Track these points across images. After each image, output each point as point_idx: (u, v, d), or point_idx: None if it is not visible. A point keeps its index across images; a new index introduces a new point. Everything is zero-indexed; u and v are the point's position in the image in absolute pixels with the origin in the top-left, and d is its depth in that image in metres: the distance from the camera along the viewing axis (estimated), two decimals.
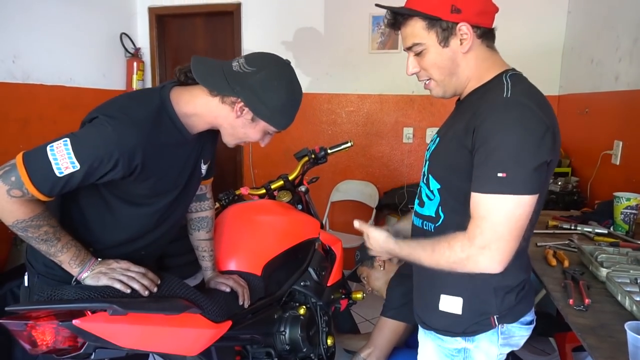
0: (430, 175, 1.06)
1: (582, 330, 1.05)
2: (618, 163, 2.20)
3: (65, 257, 1.08)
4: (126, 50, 3.44)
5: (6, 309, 0.95)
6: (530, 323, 1.10)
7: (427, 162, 1.09)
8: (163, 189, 1.20)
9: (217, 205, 1.86)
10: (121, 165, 1.03)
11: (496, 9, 1.01)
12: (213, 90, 1.13)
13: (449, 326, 1.06)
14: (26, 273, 1.28)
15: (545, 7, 2.97)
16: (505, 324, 1.04)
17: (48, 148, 0.99)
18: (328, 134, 3.49)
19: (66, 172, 0.99)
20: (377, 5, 1.08)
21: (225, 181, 3.81)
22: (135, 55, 3.51)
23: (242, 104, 1.12)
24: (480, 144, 0.90)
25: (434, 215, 1.05)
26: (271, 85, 1.14)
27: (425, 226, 1.08)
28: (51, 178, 0.99)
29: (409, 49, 1.02)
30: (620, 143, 2.19)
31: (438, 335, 1.09)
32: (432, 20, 0.96)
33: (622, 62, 2.22)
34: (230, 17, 3.51)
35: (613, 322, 1.08)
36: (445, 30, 0.96)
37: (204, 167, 1.35)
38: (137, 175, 1.09)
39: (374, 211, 3.33)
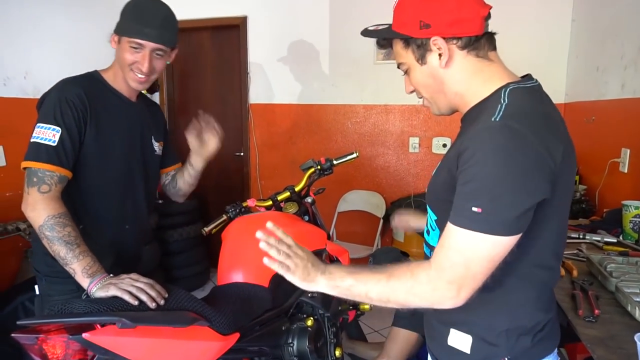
0: (428, 206, 0.99)
1: (591, 342, 1.04)
2: (626, 171, 2.19)
3: (80, 265, 1.14)
4: None
5: (18, 323, 0.97)
6: None
7: (427, 192, 1.02)
8: (114, 149, 1.37)
9: (225, 217, 1.88)
10: (81, 104, 1.27)
11: (482, 14, 0.87)
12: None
13: None
14: (36, 283, 1.36)
15: (549, 15, 2.98)
16: None
17: (32, 139, 1.23)
18: (334, 144, 3.51)
19: (55, 138, 1.22)
20: (362, 34, 1.01)
21: (233, 193, 3.83)
22: None
23: (113, 33, 1.35)
24: (460, 172, 0.81)
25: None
26: (125, 5, 1.34)
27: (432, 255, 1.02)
28: (51, 150, 1.22)
29: (399, 68, 0.99)
30: (628, 151, 2.17)
31: None
32: (405, 40, 0.92)
33: (627, 70, 2.22)
34: (236, 31, 3.56)
35: (623, 334, 1.07)
36: (420, 48, 0.90)
37: (156, 145, 1.54)
38: (90, 122, 1.29)
39: (381, 221, 3.33)
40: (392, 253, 2.14)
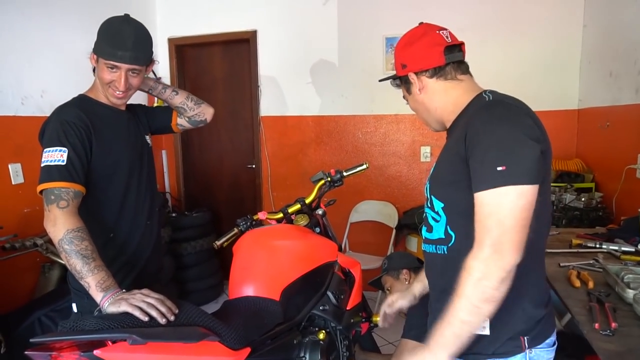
0: (432, 197, 1.09)
1: (609, 357, 1.02)
2: None
3: (94, 279, 1.18)
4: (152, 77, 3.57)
5: (31, 340, 0.98)
6: (553, 344, 1.07)
7: (428, 185, 1.13)
8: (121, 156, 1.47)
9: (236, 230, 1.89)
10: (82, 123, 1.35)
11: (439, 50, 1.10)
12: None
13: (478, 348, 1.02)
14: (73, 301, 1.45)
15: (560, 21, 2.96)
16: (533, 349, 1.01)
17: (42, 164, 1.30)
18: (345, 155, 3.51)
19: (64, 158, 1.29)
20: (380, 81, 1.36)
21: (245, 205, 3.86)
22: (160, 82, 3.62)
23: (92, 52, 1.43)
24: (474, 146, 0.94)
25: (444, 237, 1.06)
26: (101, 25, 1.42)
27: (439, 250, 1.08)
28: (62, 169, 1.29)
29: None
30: None
31: (468, 357, 1.03)
32: (397, 80, 1.22)
33: None
34: (246, 45, 3.60)
35: None
36: (405, 83, 1.19)
37: (148, 138, 1.66)
38: (95, 137, 1.37)
39: (394, 231, 3.31)
40: (406, 258, 2.11)
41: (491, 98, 1.02)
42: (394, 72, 1.25)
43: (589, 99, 2.87)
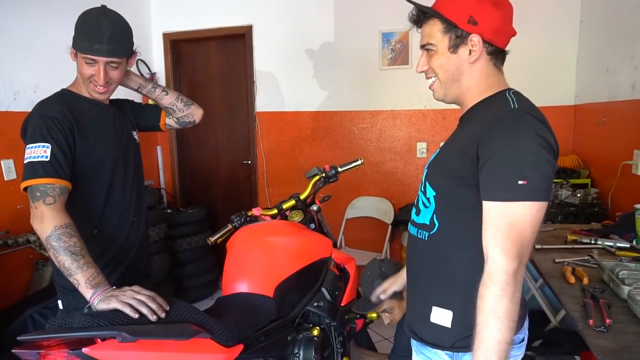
0: (427, 183, 1.07)
1: (603, 354, 1.01)
2: (639, 173, 2.14)
3: (83, 276, 1.16)
4: (142, 75, 3.54)
5: (18, 338, 0.97)
6: (522, 341, 1.06)
7: (426, 170, 1.10)
8: (106, 151, 1.45)
9: (230, 226, 1.87)
10: (64, 118, 1.32)
11: (513, 33, 1.03)
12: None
13: (438, 339, 1.04)
14: (58, 298, 1.42)
15: (557, 16, 2.95)
16: None
17: (25, 161, 1.27)
18: (341, 151, 3.50)
19: (47, 154, 1.26)
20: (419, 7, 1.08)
21: (241, 201, 3.84)
22: (151, 80, 3.60)
23: (71, 47, 1.40)
24: (493, 154, 0.91)
25: (428, 223, 1.05)
26: (78, 18, 1.40)
27: (420, 234, 1.08)
28: (47, 165, 1.26)
29: (423, 46, 1.07)
30: None
31: (427, 347, 1.07)
32: (449, 25, 1.00)
33: (638, 70, 2.17)
34: (242, 40, 3.58)
35: (636, 344, 1.03)
36: (458, 38, 1.00)
37: (135, 134, 1.63)
38: (78, 133, 1.35)
39: (390, 227, 3.30)
40: (376, 264, 1.78)
41: (516, 106, 0.95)
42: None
43: (585, 95, 2.86)
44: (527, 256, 0.89)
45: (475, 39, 0.99)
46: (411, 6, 1.07)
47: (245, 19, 3.52)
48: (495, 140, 0.91)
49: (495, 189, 0.90)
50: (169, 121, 1.77)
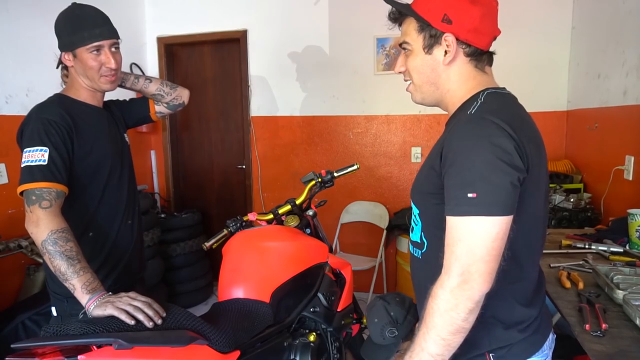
0: (412, 201, 1.04)
1: (599, 358, 1.01)
2: (631, 178, 2.16)
3: (79, 281, 1.14)
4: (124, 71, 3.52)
5: (12, 346, 0.95)
6: None
7: (412, 187, 1.07)
8: (103, 154, 1.44)
9: (225, 231, 1.86)
10: (63, 122, 1.31)
11: (497, 33, 0.97)
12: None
13: None
14: (52, 305, 1.40)
15: (549, 23, 2.98)
16: None
17: (23, 164, 1.26)
18: (336, 155, 3.50)
19: (45, 157, 1.25)
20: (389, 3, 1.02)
21: (235, 206, 3.83)
22: (131, 72, 3.58)
23: (63, 53, 1.39)
24: (449, 165, 0.86)
25: (419, 241, 1.02)
26: (57, 24, 1.40)
27: (415, 252, 1.05)
28: (44, 169, 1.24)
29: (400, 45, 1.02)
30: (632, 158, 2.15)
31: None
32: (422, 24, 0.95)
33: (629, 77, 2.20)
34: (236, 44, 3.58)
35: (632, 349, 1.04)
36: (432, 37, 0.95)
37: (126, 137, 1.63)
38: (77, 136, 1.34)
39: (385, 232, 3.30)
40: (379, 309, 1.42)
41: (475, 110, 0.89)
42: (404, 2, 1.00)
43: (577, 101, 2.90)
44: (479, 275, 0.81)
45: (449, 39, 0.93)
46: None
47: (240, 23, 3.52)
48: (450, 151, 0.86)
49: (449, 203, 0.86)
50: (159, 108, 1.75)
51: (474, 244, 0.82)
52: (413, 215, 1.04)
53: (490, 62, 1.00)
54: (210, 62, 3.79)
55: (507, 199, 0.82)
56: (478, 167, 0.82)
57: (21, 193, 1.26)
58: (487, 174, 0.81)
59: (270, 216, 1.97)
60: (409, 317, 1.27)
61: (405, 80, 1.05)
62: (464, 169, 0.83)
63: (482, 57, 0.97)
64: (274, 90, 3.56)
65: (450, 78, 0.97)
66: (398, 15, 1.00)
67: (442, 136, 0.97)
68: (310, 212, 2.03)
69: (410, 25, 0.97)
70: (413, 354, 0.89)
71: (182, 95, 1.78)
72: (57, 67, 1.50)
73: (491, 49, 0.99)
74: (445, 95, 0.99)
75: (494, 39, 0.97)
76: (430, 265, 0.97)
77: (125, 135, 1.63)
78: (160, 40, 3.71)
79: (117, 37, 1.42)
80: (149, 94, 1.72)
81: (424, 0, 0.95)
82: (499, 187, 0.81)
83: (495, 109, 0.89)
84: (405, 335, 1.25)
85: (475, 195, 0.81)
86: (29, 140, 1.28)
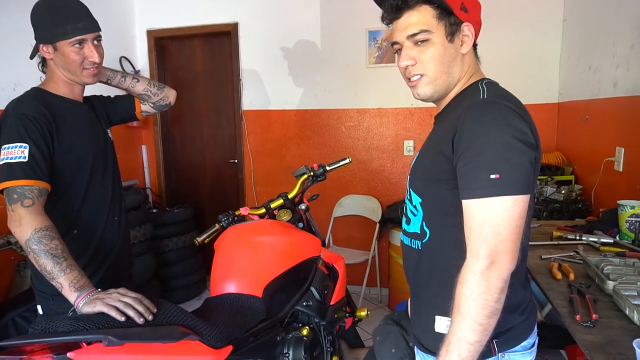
0: (411, 190, 1.03)
1: (590, 348, 1.02)
2: (621, 170, 2.18)
3: (67, 279, 1.12)
4: (111, 68, 3.47)
5: None
6: (532, 346, 1.03)
7: (409, 177, 1.07)
8: (84, 150, 1.40)
9: (217, 226, 1.85)
10: (43, 117, 1.27)
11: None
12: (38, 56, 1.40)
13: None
14: (37, 303, 1.37)
15: (540, 15, 2.98)
16: (506, 352, 0.97)
17: (2, 161, 1.21)
18: (329, 149, 3.49)
19: (25, 154, 1.21)
20: None
21: (228, 200, 3.81)
22: (119, 70, 3.54)
23: (41, 45, 1.34)
24: (465, 149, 0.87)
25: (419, 232, 1.01)
26: (34, 14, 1.35)
27: (413, 244, 1.04)
28: (25, 166, 1.21)
29: (411, 36, 0.95)
30: (622, 149, 2.16)
31: (433, 357, 1.02)
32: (443, 11, 0.93)
33: (619, 69, 2.21)
34: (227, 37, 3.54)
35: (622, 339, 1.04)
36: (452, 25, 0.94)
37: (109, 133, 1.59)
38: (57, 132, 1.30)
39: (377, 225, 3.31)
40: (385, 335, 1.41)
41: (486, 95, 0.92)
42: None
43: (568, 93, 2.91)
44: (506, 254, 0.83)
45: (466, 29, 0.95)
46: None
47: (230, 16, 3.48)
48: (465, 135, 0.87)
49: (468, 187, 0.86)
50: (145, 107, 1.72)
51: (499, 224, 0.83)
52: (411, 206, 1.03)
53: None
54: (201, 56, 3.76)
55: (527, 177, 0.85)
56: (498, 148, 0.84)
57: (1, 191, 1.22)
58: (508, 154, 0.83)
59: (263, 210, 1.96)
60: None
61: (412, 75, 0.99)
62: (483, 151, 0.84)
63: (476, 47, 1.01)
64: (265, 84, 3.54)
65: (463, 68, 0.99)
66: (405, 5, 0.94)
67: (442, 126, 0.98)
68: (302, 206, 2.02)
69: (426, 13, 0.93)
70: (450, 346, 0.86)
71: (169, 95, 1.76)
72: (32, 58, 1.44)
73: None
74: (454, 85, 1.00)
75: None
76: (434, 255, 0.98)
77: (109, 131, 1.60)
78: (150, 33, 3.66)
79: (100, 30, 1.38)
80: (136, 93, 1.69)
81: None
82: (520, 166, 0.84)
83: (505, 95, 0.93)
84: None
85: (498, 176, 0.83)
86: (7, 137, 1.24)
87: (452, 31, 0.95)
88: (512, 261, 0.84)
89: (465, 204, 0.87)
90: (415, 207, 1.02)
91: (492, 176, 0.83)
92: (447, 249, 0.96)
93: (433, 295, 0.98)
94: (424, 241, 1.01)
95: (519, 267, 0.95)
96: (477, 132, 0.86)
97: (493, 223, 0.83)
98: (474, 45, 1.01)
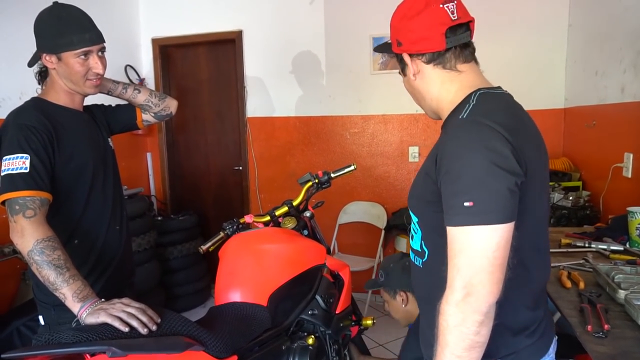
0: (410, 209, 1.02)
1: None
2: (630, 176, 2.15)
3: (70, 289, 1.11)
4: (131, 81, 3.50)
5: (2, 356, 0.93)
6: None
7: (409, 193, 1.05)
8: (86, 159, 1.40)
9: (222, 234, 1.84)
10: (43, 127, 1.27)
11: (441, 31, 0.93)
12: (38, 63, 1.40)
13: None
14: (39, 314, 1.36)
15: (545, 21, 2.97)
16: None
17: (3, 173, 1.21)
18: (333, 156, 3.48)
19: (26, 165, 1.21)
20: (375, 50, 1.14)
21: (232, 207, 3.81)
22: (120, 81, 3.55)
23: (44, 54, 1.34)
24: (444, 172, 0.84)
25: (419, 250, 0.99)
26: (39, 23, 1.35)
27: (416, 261, 1.02)
28: (27, 177, 1.20)
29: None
30: (631, 155, 2.14)
31: None
32: (391, 55, 1.05)
33: (627, 74, 2.19)
34: (232, 45, 3.56)
35: (635, 350, 1.02)
36: (400, 62, 1.03)
37: (110, 141, 1.58)
38: (57, 142, 1.30)
39: (383, 232, 3.29)
40: (405, 278, 1.72)
41: (465, 115, 0.87)
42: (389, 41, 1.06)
43: (575, 98, 2.89)
44: (483, 286, 0.78)
45: (404, 58, 1.00)
46: None
47: (235, 24, 3.50)
48: (445, 157, 0.84)
49: (447, 212, 0.83)
50: (146, 117, 1.72)
51: (474, 255, 0.79)
52: (412, 223, 1.01)
53: (465, 57, 0.97)
54: (205, 63, 3.77)
55: (506, 205, 0.79)
56: (473, 173, 0.79)
57: (3, 202, 1.21)
58: (483, 180, 0.79)
59: (267, 218, 1.95)
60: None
61: None
62: (458, 176, 0.81)
63: (444, 57, 0.96)
64: (269, 91, 3.54)
65: (426, 88, 1.01)
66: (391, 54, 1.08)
67: (438, 141, 0.95)
68: (307, 214, 2.01)
69: (393, 57, 1.09)
70: None
71: (170, 106, 1.76)
72: (30, 66, 1.44)
73: (475, 45, 0.99)
74: (435, 104, 1.02)
75: (447, 33, 0.93)
76: (433, 274, 0.94)
77: (110, 140, 1.59)
78: (155, 41, 3.68)
79: (104, 42, 1.38)
80: (137, 103, 1.68)
81: (390, 36, 1.04)
82: (496, 193, 0.78)
83: (489, 110, 0.87)
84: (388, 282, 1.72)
85: (471, 203, 0.78)
86: (8, 148, 1.23)
87: (402, 66, 1.03)
88: (491, 293, 0.79)
89: (447, 229, 0.84)
90: (415, 225, 1.00)
91: (466, 204, 0.79)
92: (445, 268, 0.91)
93: (435, 311, 0.95)
94: (424, 260, 0.99)
95: (527, 290, 0.93)
96: (453, 155, 0.83)
97: (468, 254, 0.80)
98: (441, 55, 0.96)
